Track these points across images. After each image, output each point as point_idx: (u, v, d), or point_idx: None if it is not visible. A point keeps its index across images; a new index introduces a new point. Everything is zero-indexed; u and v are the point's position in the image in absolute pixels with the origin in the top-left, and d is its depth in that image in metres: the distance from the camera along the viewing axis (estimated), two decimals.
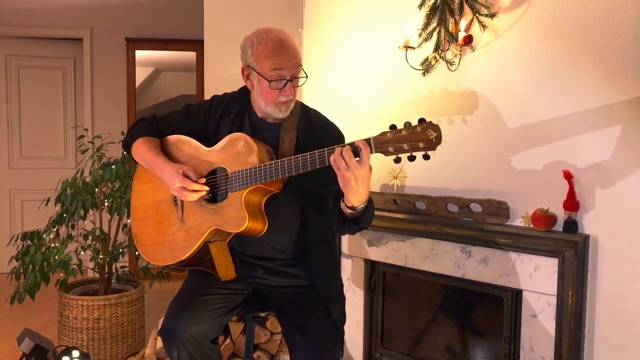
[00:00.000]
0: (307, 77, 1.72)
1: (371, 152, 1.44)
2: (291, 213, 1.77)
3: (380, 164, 1.70)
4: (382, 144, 1.43)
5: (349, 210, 1.55)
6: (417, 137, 1.40)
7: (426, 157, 1.42)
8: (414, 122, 1.43)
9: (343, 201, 1.56)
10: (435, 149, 1.40)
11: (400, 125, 1.44)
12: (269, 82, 1.66)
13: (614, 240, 1.89)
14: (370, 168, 1.46)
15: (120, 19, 4.67)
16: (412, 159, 1.42)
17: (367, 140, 1.44)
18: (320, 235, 1.78)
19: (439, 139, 1.39)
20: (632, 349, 1.87)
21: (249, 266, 1.83)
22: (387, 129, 1.44)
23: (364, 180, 1.44)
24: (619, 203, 1.87)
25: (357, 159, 1.44)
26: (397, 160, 1.44)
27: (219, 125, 1.82)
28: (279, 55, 1.66)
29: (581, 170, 1.94)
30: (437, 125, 1.40)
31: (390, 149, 1.42)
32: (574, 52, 1.96)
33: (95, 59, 4.70)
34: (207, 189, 1.70)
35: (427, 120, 1.41)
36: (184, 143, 1.83)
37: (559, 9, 1.98)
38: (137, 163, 1.91)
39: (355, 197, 1.49)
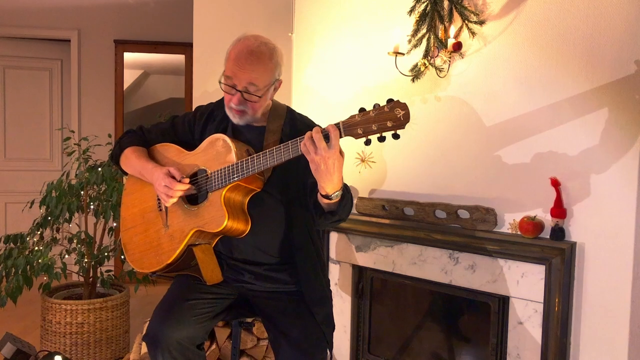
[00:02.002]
0: (260, 98, 1.68)
1: (341, 136, 1.45)
2: (277, 215, 1.76)
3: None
4: (351, 126, 1.44)
5: (325, 200, 1.55)
6: (385, 117, 1.40)
7: (395, 136, 1.42)
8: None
9: (319, 192, 1.55)
10: (404, 127, 1.40)
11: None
12: (220, 83, 1.69)
13: (601, 247, 1.90)
14: (342, 153, 1.47)
15: (109, 20, 4.63)
16: (382, 139, 1.43)
17: (336, 125, 1.46)
18: (306, 237, 1.77)
19: (407, 117, 1.39)
20: (617, 356, 1.88)
21: (236, 270, 1.81)
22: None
23: (334, 164, 1.45)
24: (606, 211, 1.88)
25: (328, 143, 1.44)
26: (368, 143, 1.45)
27: (204, 132, 1.83)
28: (236, 63, 1.66)
29: (568, 178, 1.95)
30: (404, 104, 1.40)
31: (359, 131, 1.43)
32: (563, 60, 1.97)
33: (82, 61, 4.65)
34: (190, 187, 1.70)
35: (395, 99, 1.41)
36: (167, 150, 1.85)
37: (547, 17, 2.00)
38: (126, 174, 1.91)
39: (328, 184, 1.49)
